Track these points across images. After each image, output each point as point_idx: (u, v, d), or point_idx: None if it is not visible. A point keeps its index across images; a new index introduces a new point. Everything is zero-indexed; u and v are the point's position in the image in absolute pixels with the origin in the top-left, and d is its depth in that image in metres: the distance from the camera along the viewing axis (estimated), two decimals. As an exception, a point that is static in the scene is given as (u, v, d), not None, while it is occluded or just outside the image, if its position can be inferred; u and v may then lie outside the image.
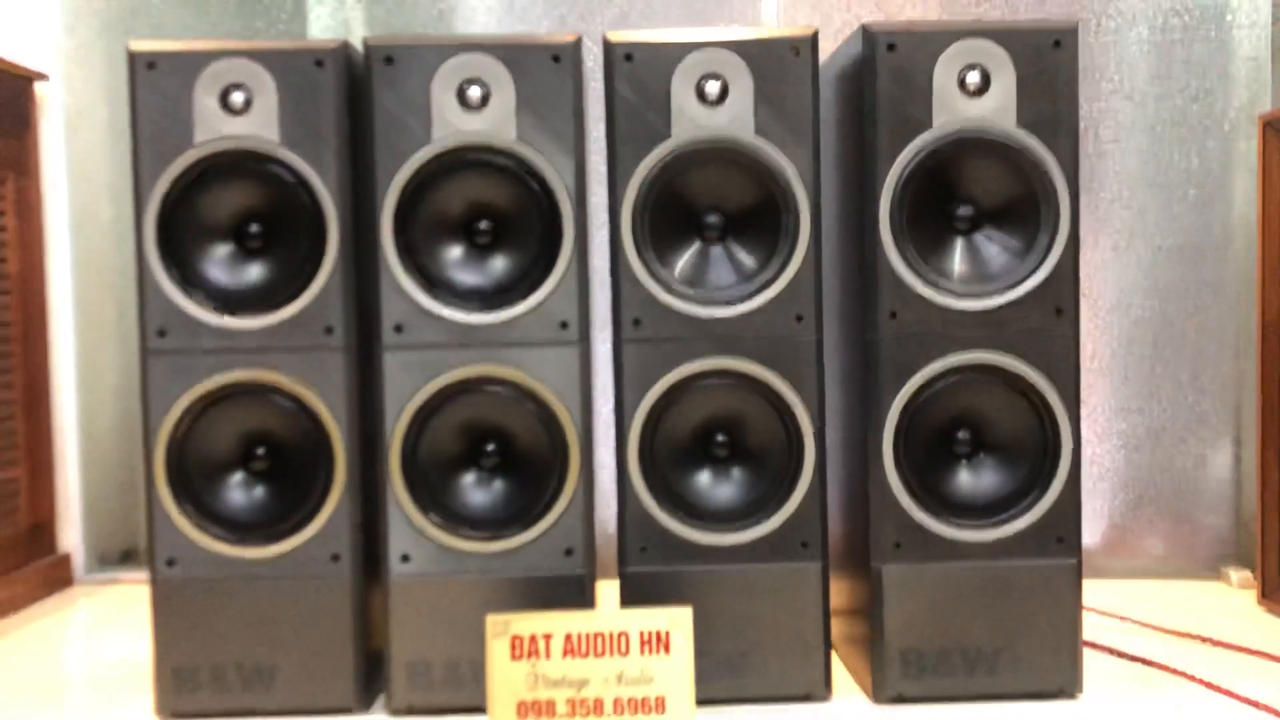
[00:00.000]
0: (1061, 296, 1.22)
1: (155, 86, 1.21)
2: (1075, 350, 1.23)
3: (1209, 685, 1.29)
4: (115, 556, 1.97)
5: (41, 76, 1.85)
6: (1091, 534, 1.81)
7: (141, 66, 1.21)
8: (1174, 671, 1.34)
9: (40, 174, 1.87)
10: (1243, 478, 1.79)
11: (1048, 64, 1.21)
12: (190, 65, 1.21)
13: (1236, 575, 1.75)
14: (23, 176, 1.82)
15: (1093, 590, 1.67)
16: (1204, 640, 1.46)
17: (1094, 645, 1.43)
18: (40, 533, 1.84)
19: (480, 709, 1.20)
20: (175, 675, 1.23)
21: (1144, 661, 1.38)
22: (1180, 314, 1.79)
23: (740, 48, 1.21)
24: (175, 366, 1.22)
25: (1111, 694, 1.28)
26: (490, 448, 1.24)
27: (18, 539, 1.78)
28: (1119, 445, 1.81)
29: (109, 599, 1.81)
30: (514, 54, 1.21)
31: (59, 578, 1.86)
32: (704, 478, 1.26)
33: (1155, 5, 1.77)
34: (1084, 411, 1.78)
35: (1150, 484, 1.81)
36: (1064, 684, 1.24)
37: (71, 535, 1.91)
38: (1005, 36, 1.21)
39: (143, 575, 1.87)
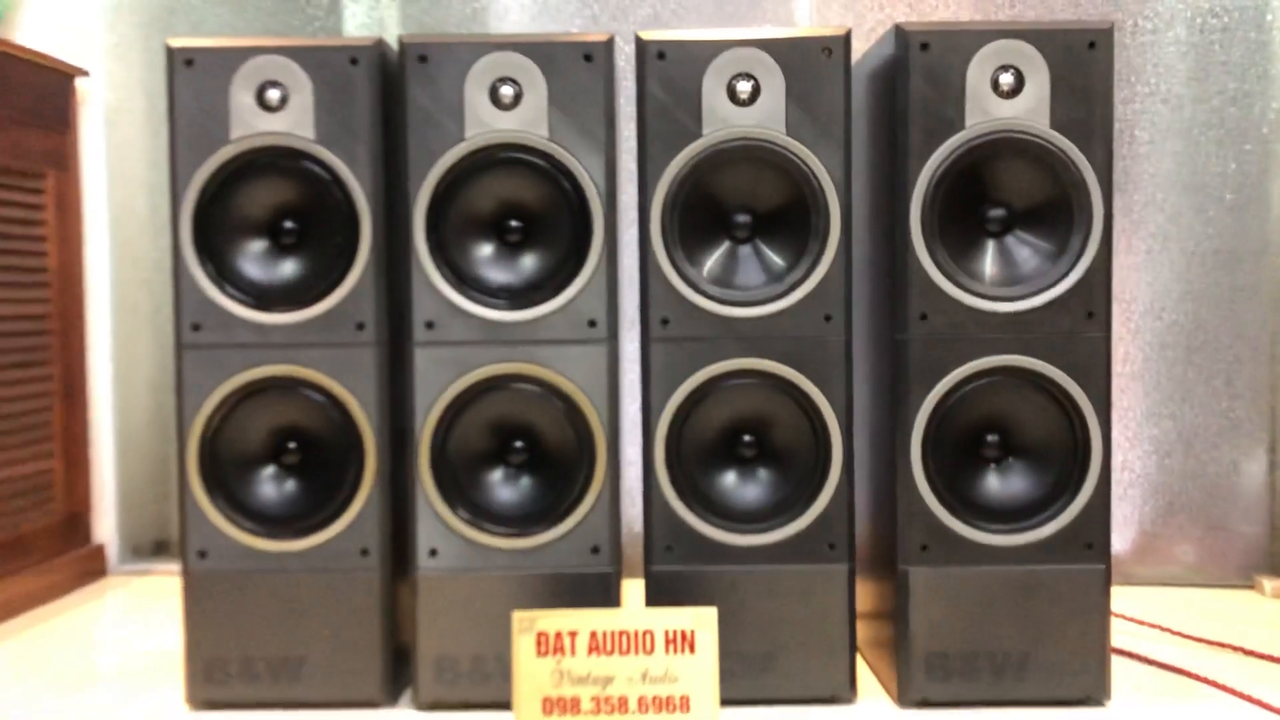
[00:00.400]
0: (1093, 300, 1.21)
1: (193, 83, 1.22)
2: (1107, 354, 1.22)
3: (1240, 695, 1.28)
4: (148, 548, 2.00)
5: (82, 72, 1.88)
6: (1121, 540, 1.79)
7: (179, 63, 1.23)
8: (1204, 680, 1.33)
9: (80, 169, 1.90)
10: (1277, 485, 1.77)
11: (1082, 65, 1.20)
12: (227, 62, 1.22)
13: (1270, 584, 1.73)
14: (63, 172, 1.85)
15: (1122, 597, 1.66)
16: (1235, 649, 1.45)
17: (1123, 652, 1.41)
18: (75, 523, 1.87)
19: (506, 705, 1.21)
20: (206, 666, 1.25)
21: (1174, 669, 1.37)
22: (1215, 319, 1.77)
23: (772, 47, 1.21)
24: (209, 360, 1.23)
25: (1140, 702, 1.27)
26: (518, 445, 1.25)
27: (53, 529, 1.80)
28: (1150, 450, 1.79)
29: (141, 590, 1.83)
30: (546, 53, 1.21)
31: (93, 568, 1.89)
32: (730, 478, 1.25)
33: (1193, 6, 1.75)
34: (1115, 416, 1.77)
35: (1182, 490, 1.79)
36: (1092, 691, 1.24)
37: (106, 526, 1.93)
38: (1039, 37, 1.20)
39: (175, 567, 1.89)
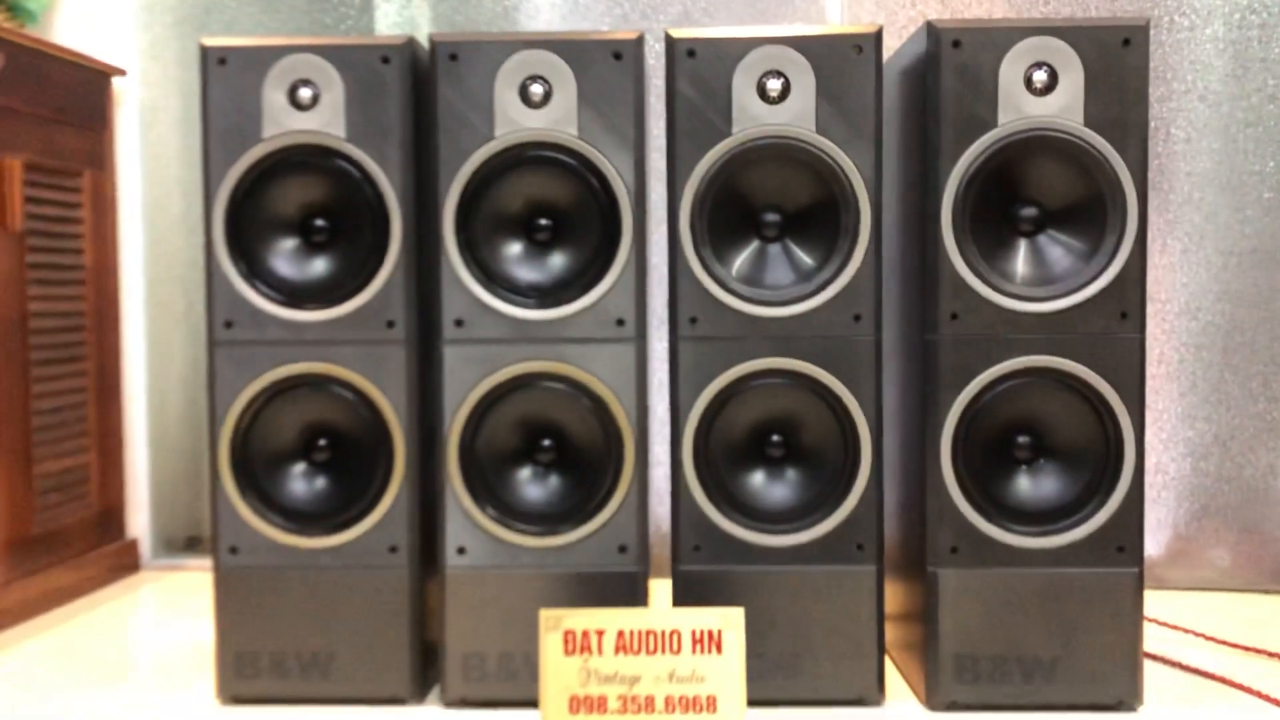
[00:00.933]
0: (1127, 300, 1.20)
1: (226, 82, 1.23)
2: (1140, 355, 1.21)
3: (1275, 701, 1.26)
4: (180, 543, 2.02)
5: (119, 71, 1.90)
6: (1154, 544, 1.77)
7: (213, 62, 1.24)
8: (1238, 686, 1.31)
9: (115, 168, 1.92)
10: (1315, 489, 1.75)
11: (1117, 62, 1.19)
12: (260, 61, 1.23)
13: (1307, 589, 1.71)
14: (99, 170, 1.87)
15: (1155, 601, 1.64)
16: (1270, 655, 1.43)
17: (1155, 657, 1.40)
18: (109, 518, 1.89)
19: (533, 703, 1.21)
20: (236, 661, 1.26)
21: (1207, 675, 1.35)
22: (1252, 319, 1.75)
23: (803, 45, 1.20)
24: (241, 357, 1.24)
25: (1172, 708, 1.25)
26: (546, 443, 1.25)
27: (87, 524, 1.82)
28: (1185, 453, 1.77)
29: (173, 585, 1.85)
30: (576, 51, 1.21)
31: (126, 563, 1.91)
32: (759, 477, 1.25)
33: (1232, 2, 1.72)
34: (1149, 418, 1.74)
35: (1217, 493, 1.77)
36: (1123, 696, 1.22)
37: (139, 521, 1.95)
38: (1073, 34, 1.19)
39: (206, 562, 1.91)
